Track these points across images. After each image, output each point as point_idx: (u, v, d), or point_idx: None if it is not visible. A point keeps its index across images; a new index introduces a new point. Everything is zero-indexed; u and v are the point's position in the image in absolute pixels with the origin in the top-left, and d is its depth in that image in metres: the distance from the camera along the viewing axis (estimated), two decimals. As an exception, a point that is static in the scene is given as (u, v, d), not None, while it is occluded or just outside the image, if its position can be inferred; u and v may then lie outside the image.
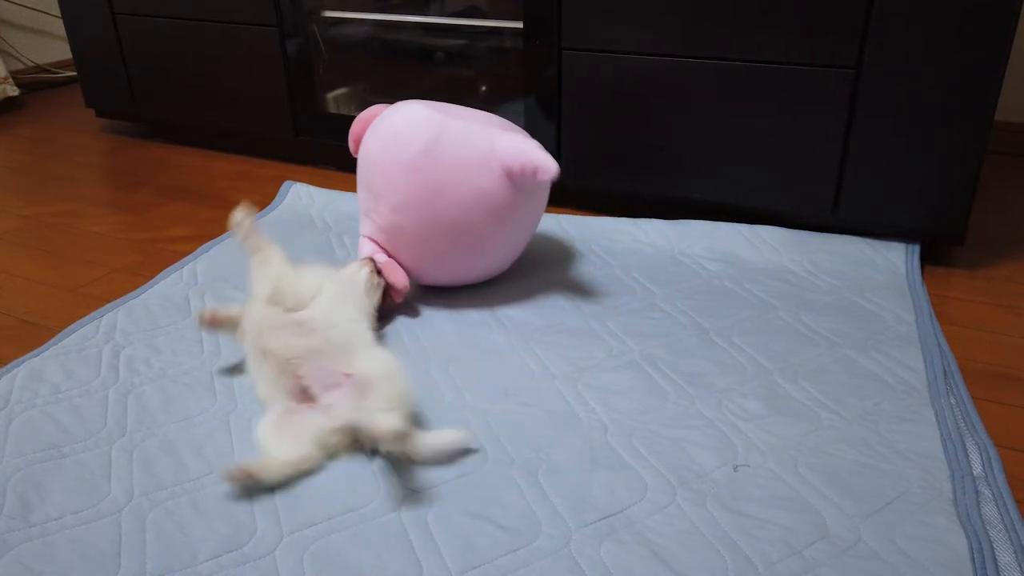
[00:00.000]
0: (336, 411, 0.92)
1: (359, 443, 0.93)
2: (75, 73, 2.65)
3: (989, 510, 0.83)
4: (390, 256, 1.24)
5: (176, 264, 1.41)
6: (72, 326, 1.21)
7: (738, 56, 1.37)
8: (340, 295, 1.08)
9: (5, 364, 1.13)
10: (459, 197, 1.17)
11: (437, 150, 1.16)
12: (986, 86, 1.24)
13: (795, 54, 1.33)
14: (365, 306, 1.14)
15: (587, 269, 1.37)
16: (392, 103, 1.27)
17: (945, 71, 1.25)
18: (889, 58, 1.28)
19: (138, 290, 1.32)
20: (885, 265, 1.34)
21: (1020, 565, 0.77)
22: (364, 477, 0.89)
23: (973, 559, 0.77)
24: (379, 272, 1.20)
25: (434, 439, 0.92)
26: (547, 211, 1.61)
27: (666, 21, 1.40)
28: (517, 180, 1.16)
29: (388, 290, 1.22)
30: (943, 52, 1.24)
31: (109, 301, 1.31)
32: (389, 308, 1.24)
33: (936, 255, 1.41)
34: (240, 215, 1.09)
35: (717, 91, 1.41)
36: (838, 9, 1.28)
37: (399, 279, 1.21)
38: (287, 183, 1.75)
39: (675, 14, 1.39)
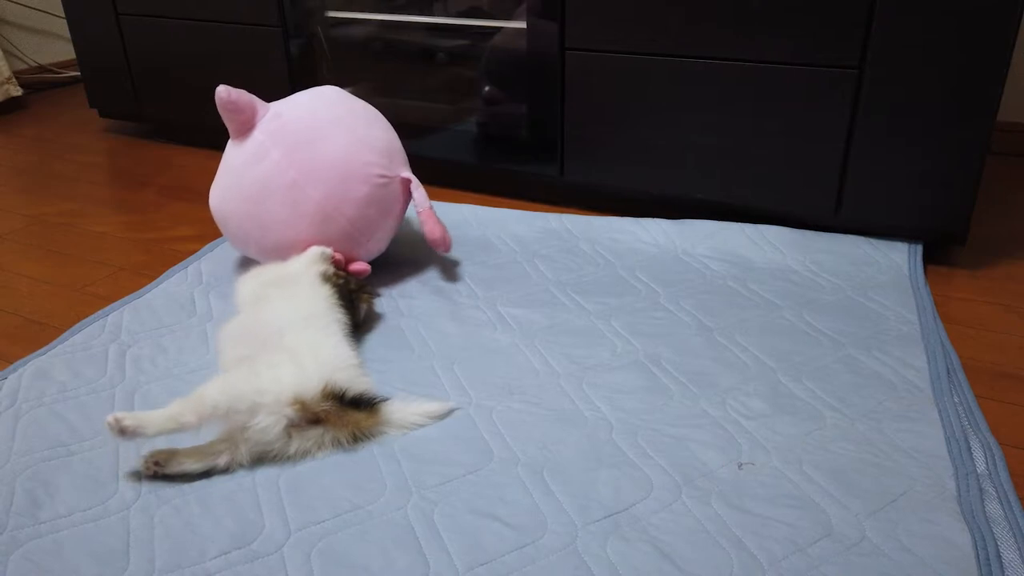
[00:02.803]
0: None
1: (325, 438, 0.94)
2: (78, 73, 2.66)
3: (993, 507, 0.84)
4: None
5: (181, 263, 1.42)
6: (78, 325, 1.22)
7: (741, 56, 1.38)
8: (288, 295, 1.11)
9: (12, 363, 1.13)
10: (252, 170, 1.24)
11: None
12: (988, 86, 1.24)
13: (798, 54, 1.34)
14: (320, 294, 1.13)
15: (591, 269, 1.38)
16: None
17: (947, 71, 1.26)
18: (892, 58, 1.28)
19: (143, 289, 1.33)
20: (888, 265, 1.34)
21: (1024, 562, 0.77)
22: (370, 474, 0.90)
23: (977, 556, 0.77)
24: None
25: (416, 409, 0.97)
26: (550, 210, 1.62)
27: (669, 21, 1.41)
28: (231, 118, 1.25)
29: (336, 263, 1.25)
30: (946, 52, 1.25)
31: (114, 300, 1.31)
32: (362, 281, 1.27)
33: (939, 255, 1.41)
34: None
35: (720, 91, 1.42)
36: (841, 9, 1.28)
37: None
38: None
39: (678, 14, 1.40)
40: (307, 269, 1.17)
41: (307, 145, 1.23)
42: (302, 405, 0.91)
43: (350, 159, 1.24)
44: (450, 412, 1.00)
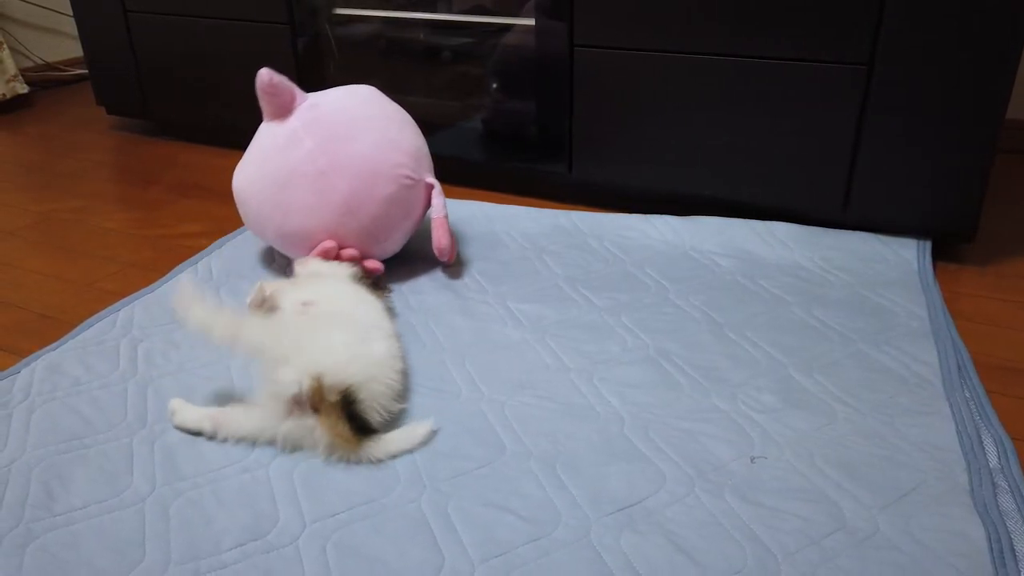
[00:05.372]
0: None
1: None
2: (84, 71, 2.66)
3: (1006, 502, 0.84)
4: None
5: (190, 259, 1.42)
6: (89, 320, 1.22)
7: (750, 53, 1.38)
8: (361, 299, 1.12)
9: (24, 357, 1.14)
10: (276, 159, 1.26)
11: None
12: (998, 83, 1.24)
13: (807, 50, 1.34)
14: (356, 287, 1.15)
15: (600, 265, 1.38)
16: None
17: (957, 68, 1.26)
18: (901, 54, 1.28)
19: (153, 285, 1.33)
20: (897, 261, 1.34)
21: (1038, 555, 0.77)
22: (383, 467, 0.90)
23: (991, 549, 0.78)
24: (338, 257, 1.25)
25: (403, 437, 0.93)
26: (559, 207, 1.62)
27: (678, 18, 1.41)
28: (269, 101, 1.26)
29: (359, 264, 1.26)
30: (955, 49, 1.25)
31: (124, 296, 1.32)
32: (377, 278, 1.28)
33: (947, 252, 1.41)
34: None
35: (729, 87, 1.42)
36: (850, 5, 1.28)
37: (323, 247, 1.25)
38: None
39: (687, 11, 1.40)
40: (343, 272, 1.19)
41: (340, 138, 1.24)
42: (318, 384, 0.89)
43: (380, 157, 1.25)
44: (432, 434, 0.96)
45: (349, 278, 1.17)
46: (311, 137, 1.24)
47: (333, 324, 1.00)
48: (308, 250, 1.27)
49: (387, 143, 1.27)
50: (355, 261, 1.26)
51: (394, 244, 1.34)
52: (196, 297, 0.94)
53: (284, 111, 1.27)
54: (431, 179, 1.34)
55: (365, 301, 1.12)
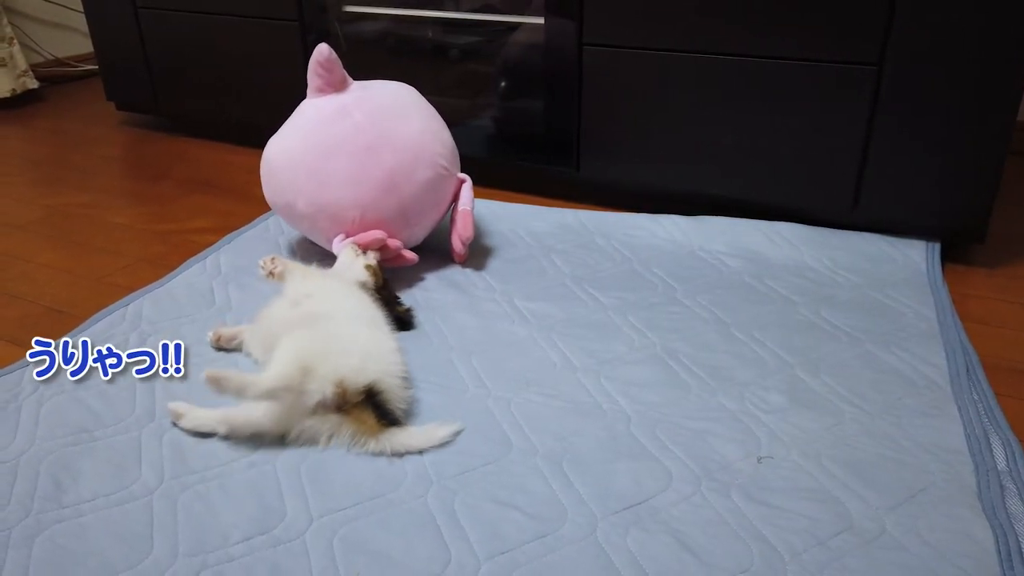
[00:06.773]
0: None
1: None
2: (93, 67, 2.67)
3: (1014, 504, 0.84)
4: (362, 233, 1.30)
5: (199, 255, 1.43)
6: (98, 314, 1.23)
7: (759, 52, 1.38)
8: (353, 295, 1.12)
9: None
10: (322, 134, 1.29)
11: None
12: (1008, 84, 1.24)
13: (816, 50, 1.34)
14: (355, 288, 1.14)
15: (607, 264, 1.38)
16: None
17: (967, 69, 1.25)
18: (911, 55, 1.28)
19: (162, 279, 1.34)
20: (905, 262, 1.34)
21: (1045, 558, 0.77)
22: (390, 463, 0.90)
23: (999, 551, 0.77)
24: (364, 250, 1.25)
25: (423, 434, 0.93)
26: (566, 206, 1.62)
27: (687, 17, 1.41)
28: (322, 74, 1.30)
29: (384, 252, 1.27)
30: (966, 50, 1.24)
31: (133, 290, 1.32)
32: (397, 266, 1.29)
33: (956, 253, 1.41)
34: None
35: (737, 87, 1.41)
36: (860, 5, 1.28)
37: (374, 237, 1.26)
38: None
39: (696, 10, 1.40)
40: (357, 275, 1.18)
41: (390, 116, 1.30)
42: (344, 391, 0.90)
43: (424, 142, 1.31)
44: (457, 434, 0.95)
45: (358, 285, 1.16)
46: (361, 111, 1.28)
47: (327, 324, 1.00)
48: (337, 228, 1.28)
49: (431, 132, 1.33)
50: (395, 252, 1.28)
51: (421, 231, 1.37)
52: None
53: (334, 87, 1.31)
54: (462, 175, 1.40)
55: (353, 298, 1.11)
